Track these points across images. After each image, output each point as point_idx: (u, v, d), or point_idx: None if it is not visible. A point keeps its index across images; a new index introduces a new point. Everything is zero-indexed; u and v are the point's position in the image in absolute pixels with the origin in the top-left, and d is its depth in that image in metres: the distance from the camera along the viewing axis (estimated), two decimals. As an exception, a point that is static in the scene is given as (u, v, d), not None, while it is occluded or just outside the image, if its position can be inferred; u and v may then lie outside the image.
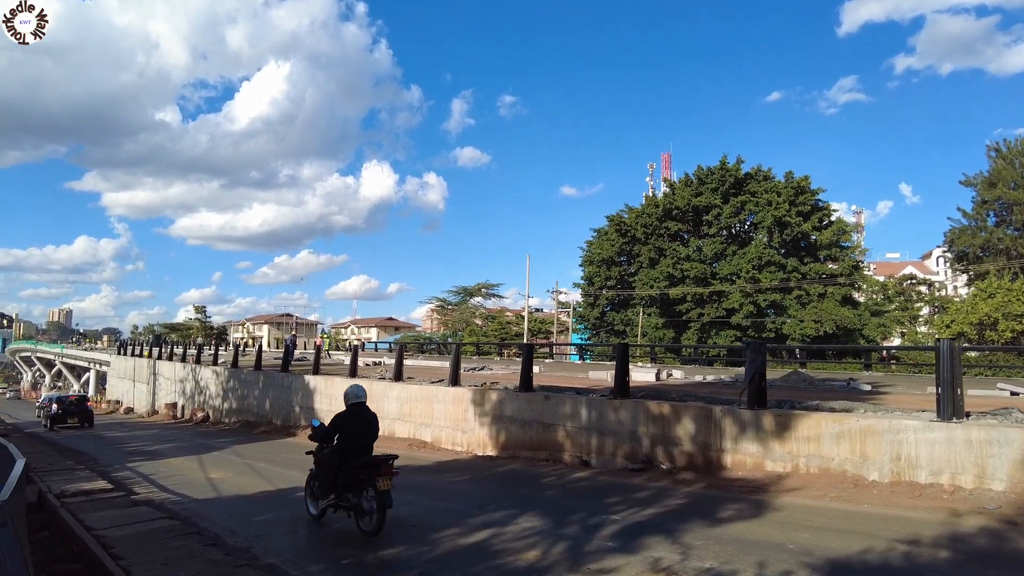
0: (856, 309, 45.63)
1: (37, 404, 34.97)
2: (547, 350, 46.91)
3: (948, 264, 53.33)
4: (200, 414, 24.66)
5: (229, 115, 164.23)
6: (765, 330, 44.46)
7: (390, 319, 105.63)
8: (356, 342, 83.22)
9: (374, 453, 7.78)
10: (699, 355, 41.61)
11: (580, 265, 54.61)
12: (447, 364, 30.03)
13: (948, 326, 42.28)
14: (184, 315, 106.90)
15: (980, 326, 40.63)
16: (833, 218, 48.18)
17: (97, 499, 9.18)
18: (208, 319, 76.86)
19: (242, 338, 79.71)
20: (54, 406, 26.02)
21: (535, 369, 26.01)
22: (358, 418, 7.72)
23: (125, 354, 38.83)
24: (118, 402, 34.57)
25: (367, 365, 29.59)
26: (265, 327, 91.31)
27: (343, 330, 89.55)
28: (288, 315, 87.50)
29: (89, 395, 51.19)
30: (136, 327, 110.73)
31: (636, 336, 48.31)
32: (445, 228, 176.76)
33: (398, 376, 17.79)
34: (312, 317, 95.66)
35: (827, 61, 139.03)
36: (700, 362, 38.25)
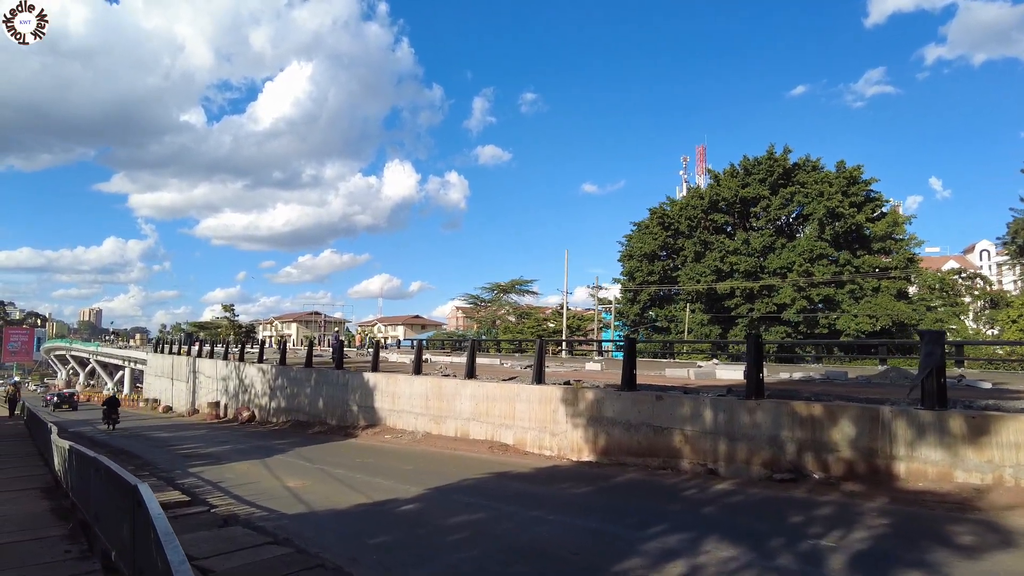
0: (911, 304, 43.61)
1: (45, 397, 49.98)
2: (587, 347, 45.42)
3: (1010, 256, 50.83)
4: (246, 413, 23.55)
5: (252, 116, 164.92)
6: (818, 325, 42.61)
7: (416, 317, 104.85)
8: (383, 338, 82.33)
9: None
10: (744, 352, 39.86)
11: (619, 260, 53.02)
12: (496, 361, 28.92)
13: (1015, 321, 40.23)
14: (210, 314, 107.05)
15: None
16: (886, 208, 46.21)
17: (180, 516, 7.92)
18: (236, 317, 76.40)
19: (271, 336, 79.16)
20: (55, 398, 45.53)
21: (597, 367, 24.74)
22: None
23: (162, 352, 37.99)
24: (156, 400, 33.69)
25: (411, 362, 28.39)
26: (294, 325, 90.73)
27: (371, 328, 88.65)
28: (316, 313, 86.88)
29: (125, 392, 50.74)
30: (164, 326, 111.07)
31: (682, 333, 46.66)
32: (467, 226, 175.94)
33: (471, 373, 16.44)
34: (337, 315, 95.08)
35: (853, 53, 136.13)
36: (742, 358, 36.61)
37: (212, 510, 8.72)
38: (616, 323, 53.29)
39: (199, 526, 7.47)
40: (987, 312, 54.06)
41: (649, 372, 21.89)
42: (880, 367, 24.54)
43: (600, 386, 13.78)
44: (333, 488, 10.40)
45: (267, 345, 34.51)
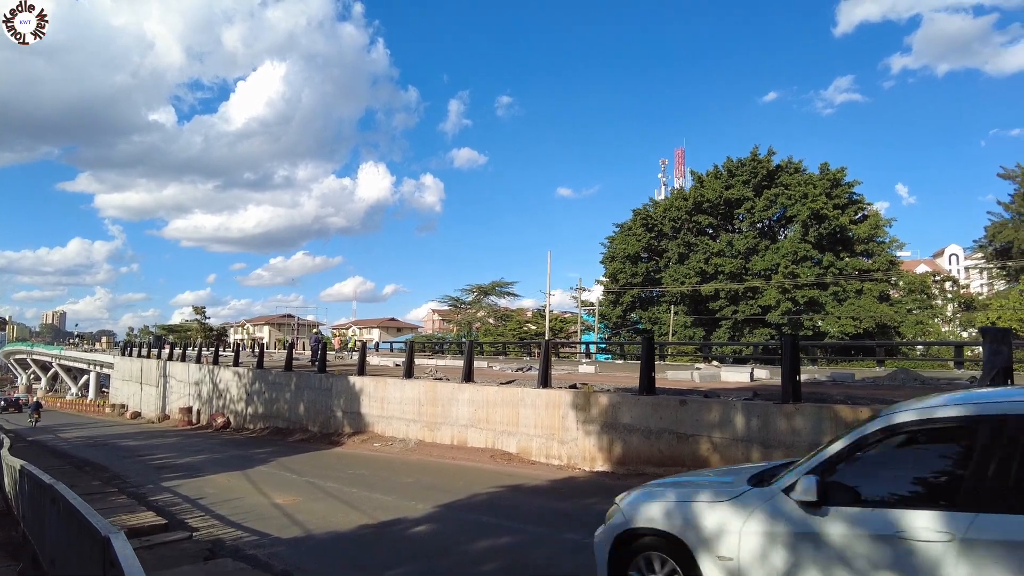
0: (893, 306, 43.70)
1: None
2: (569, 350, 44.65)
3: (986, 259, 51.36)
4: (220, 419, 22.15)
5: (224, 116, 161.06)
6: (802, 327, 42.40)
7: (392, 320, 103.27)
8: (364, 341, 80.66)
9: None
10: (732, 353, 39.52)
11: (601, 262, 52.44)
12: (484, 364, 27.85)
13: (993, 323, 40.39)
14: (180, 317, 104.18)
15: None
16: (867, 211, 46.33)
17: (157, 544, 6.76)
18: (207, 320, 74.06)
19: (242, 339, 76.95)
20: (1, 402, 50.58)
21: (590, 369, 23.86)
22: None
23: (130, 355, 36.10)
24: (123, 406, 31.92)
25: (396, 365, 27.24)
26: (266, 328, 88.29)
27: (346, 331, 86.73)
28: (289, 316, 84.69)
29: (90, 398, 48.51)
30: (131, 329, 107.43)
31: (665, 335, 46.14)
32: (442, 229, 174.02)
33: (468, 377, 15.40)
34: (309, 318, 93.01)
35: (823, 61, 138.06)
36: (726, 360, 36.20)
37: (193, 536, 7.57)
38: (599, 325, 52.61)
39: (180, 558, 6.34)
40: (960, 315, 54.68)
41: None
42: (878, 368, 24.16)
43: (611, 389, 12.88)
44: (328, 506, 9.28)
45: (242, 348, 32.96)
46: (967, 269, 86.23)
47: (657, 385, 15.12)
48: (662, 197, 69.14)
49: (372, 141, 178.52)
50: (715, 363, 27.03)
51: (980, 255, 59.54)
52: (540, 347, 14.28)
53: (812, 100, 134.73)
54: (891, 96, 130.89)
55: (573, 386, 14.11)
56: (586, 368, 24.05)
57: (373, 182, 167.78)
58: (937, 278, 60.20)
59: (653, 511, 4.17)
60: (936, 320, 49.14)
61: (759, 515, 3.72)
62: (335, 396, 18.55)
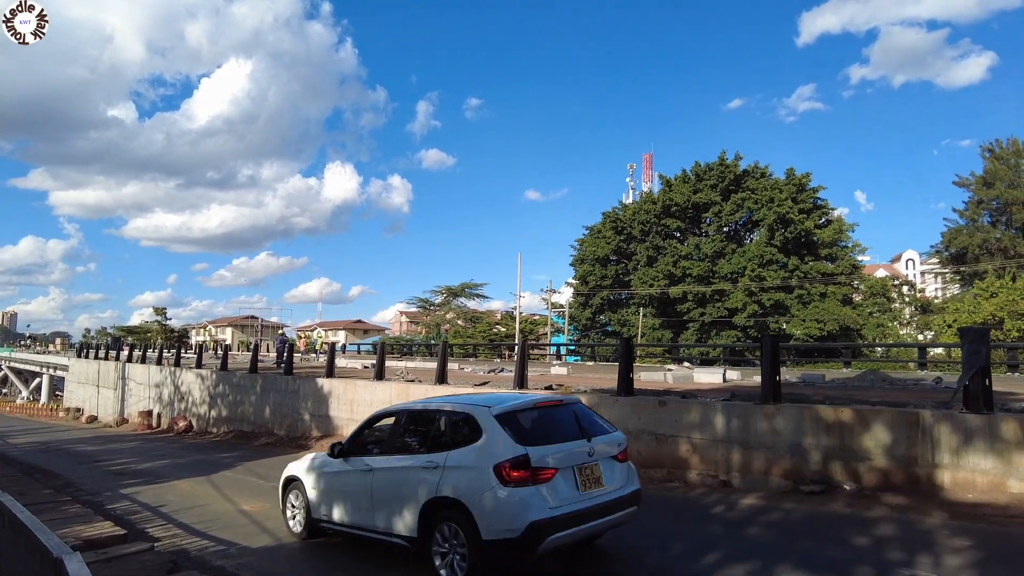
0: (856, 309, 44.66)
1: None
2: (538, 351, 44.56)
3: (942, 263, 52.89)
4: (182, 423, 21.38)
5: (187, 113, 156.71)
6: (768, 330, 43.03)
7: (358, 321, 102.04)
8: (332, 342, 79.29)
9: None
10: (699, 354, 39.89)
11: (571, 264, 52.58)
12: (454, 366, 27.50)
13: (950, 325, 41.50)
14: (139, 318, 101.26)
15: (985, 326, 39.78)
16: (831, 216, 47.30)
17: (115, 558, 6.32)
18: (167, 321, 71.97)
19: (204, 341, 75.01)
20: None
21: (563, 371, 23.73)
22: None
23: (87, 357, 34.71)
24: (78, 410, 30.67)
25: (365, 367, 26.74)
26: (229, 329, 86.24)
27: (311, 333, 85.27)
28: (253, 317, 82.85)
29: (43, 402, 46.55)
30: (88, 330, 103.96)
31: (635, 337, 46.38)
32: (410, 231, 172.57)
33: (441, 379, 15.09)
34: (273, 319, 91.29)
35: (786, 70, 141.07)
36: (693, 362, 36.51)
37: (155, 547, 7.13)
38: (570, 327, 52.66)
39: (142, 572, 5.92)
40: (917, 318, 56.22)
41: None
42: (846, 369, 24.54)
43: (587, 391, 12.72)
44: (299, 512, 8.90)
45: (205, 349, 32.01)
46: (923, 274, 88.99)
47: (609, 387, 15.08)
48: (630, 201, 69.69)
49: (339, 141, 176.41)
50: (686, 364, 27.17)
51: (935, 260, 61.38)
52: (516, 348, 14.02)
53: (776, 108, 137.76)
54: (851, 105, 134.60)
55: (549, 387, 13.93)
56: (559, 369, 23.93)
57: (340, 182, 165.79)
58: (896, 282, 61.83)
59: (297, 469, 7.65)
60: (895, 323, 50.40)
61: (323, 463, 7.18)
62: (303, 399, 18.03)
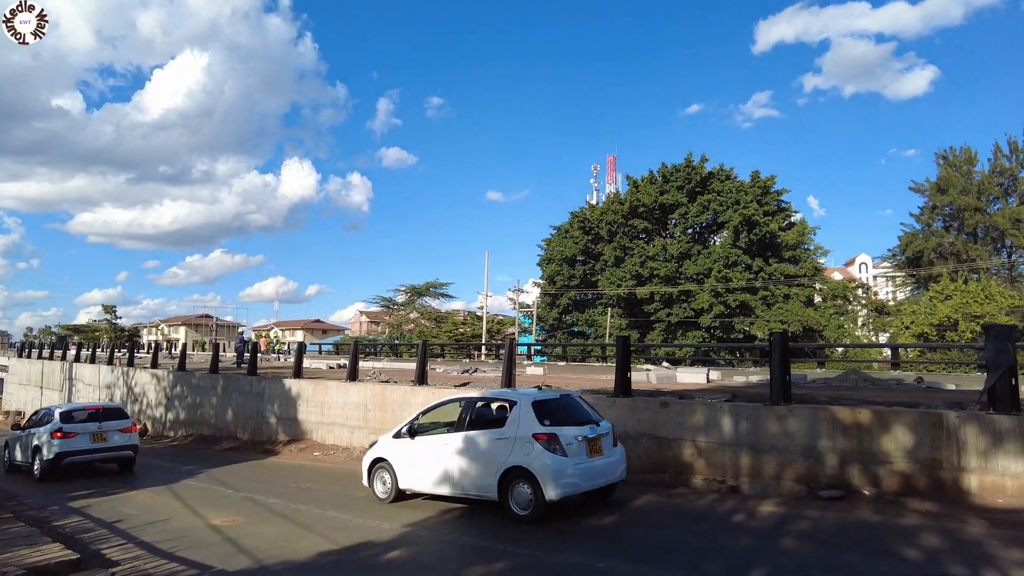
0: (818, 310, 45.33)
1: None
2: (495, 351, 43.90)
3: (898, 267, 54.26)
4: (137, 427, 19.98)
5: (139, 105, 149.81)
6: (733, 331, 43.33)
7: (317, 321, 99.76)
8: (288, 343, 76.95)
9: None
10: (664, 354, 39.86)
11: (538, 264, 52.09)
12: (434, 367, 26.54)
13: (907, 327, 42.49)
14: (86, 317, 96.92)
15: (940, 327, 40.85)
16: (795, 219, 47.94)
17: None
18: (117, 320, 68.72)
19: (156, 340, 72.05)
20: None
21: (539, 371, 23.13)
22: None
23: (29, 357, 32.50)
24: (19, 413, 28.62)
25: (330, 368, 25.69)
26: (182, 328, 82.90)
27: (268, 332, 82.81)
28: (207, 316, 79.81)
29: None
30: (30, 329, 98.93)
31: (600, 337, 46.14)
32: (369, 229, 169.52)
33: (421, 379, 14.31)
34: (228, 318, 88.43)
35: (743, 77, 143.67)
36: (657, 362, 36.46)
37: (114, 572, 6.20)
38: (537, 328, 52.16)
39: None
40: (873, 320, 57.61)
41: (600, 376, 20.55)
42: (819, 370, 24.56)
43: (579, 392, 12.10)
44: (277, 527, 8.04)
45: (160, 349, 30.35)
46: (875, 277, 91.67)
47: (606, 388, 14.57)
48: (595, 202, 69.70)
49: (297, 137, 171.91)
50: (665, 364, 26.89)
51: (887, 264, 63.08)
52: (504, 348, 13.37)
53: (732, 114, 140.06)
54: (804, 113, 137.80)
55: (538, 388, 13.28)
56: (534, 370, 23.35)
57: (298, 179, 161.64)
58: (854, 284, 63.29)
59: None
60: (852, 324, 51.44)
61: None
62: (268, 401, 17.00)
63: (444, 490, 8.42)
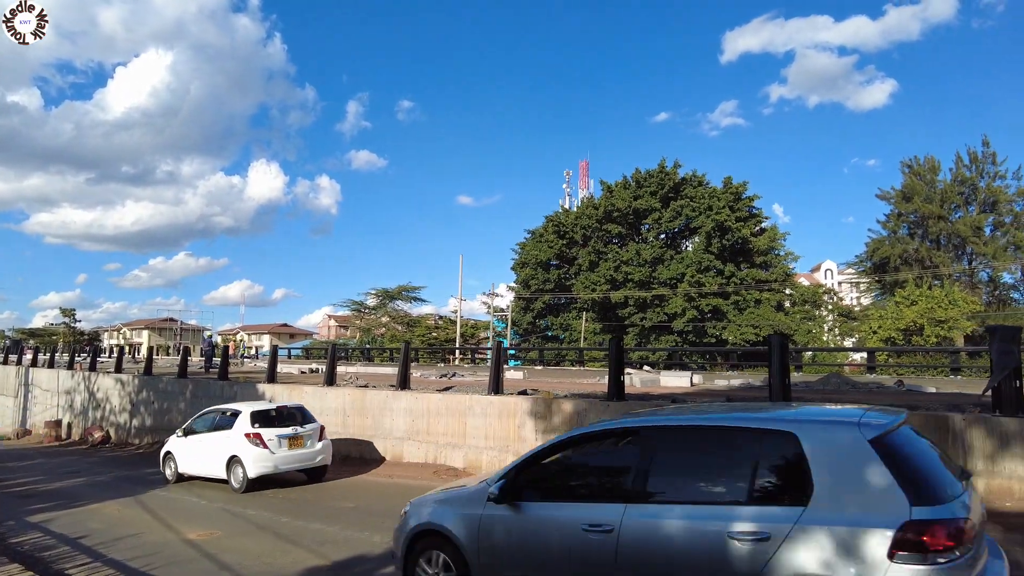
0: (788, 315, 45.93)
1: None
2: (480, 355, 43.61)
3: (866, 272, 55.30)
4: (98, 434, 19.07)
5: (100, 103, 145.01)
6: (706, 335, 43.60)
7: (284, 325, 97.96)
8: (255, 348, 75.25)
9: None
10: (638, 359, 39.91)
11: (512, 268, 51.84)
12: (391, 371, 26.01)
13: (875, 332, 43.26)
14: (43, 320, 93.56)
15: (907, 332, 41.64)
16: (779, 223, 48.59)
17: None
18: (77, 323, 66.23)
19: (118, 344, 69.77)
20: None
21: (519, 375, 22.78)
22: None
23: (-21, 361, 31.08)
24: (-31, 422, 27.29)
25: (302, 372, 25.01)
26: (145, 332, 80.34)
27: (234, 336, 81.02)
28: (172, 319, 77.59)
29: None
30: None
31: (575, 341, 46.05)
32: (338, 233, 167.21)
33: (404, 383, 13.84)
34: (192, 322, 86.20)
35: (710, 86, 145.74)
36: (632, 365, 36.49)
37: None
38: (511, 331, 51.84)
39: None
40: (840, 325, 58.68)
41: (582, 380, 20.32)
42: (797, 373, 24.72)
43: (566, 395, 11.82)
44: (260, 542, 7.54)
45: (124, 353, 29.20)
46: (840, 283, 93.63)
47: (599, 391, 14.34)
48: (567, 207, 69.76)
49: (265, 138, 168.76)
50: (646, 368, 26.76)
51: (851, 271, 64.37)
52: (491, 352, 13.01)
53: (700, 122, 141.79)
54: (770, 122, 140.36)
55: (523, 392, 12.96)
56: (513, 374, 22.95)
57: (265, 181, 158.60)
58: (823, 290, 64.42)
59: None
60: (821, 329, 52.28)
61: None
62: (240, 407, 16.31)
63: (200, 472, 11.79)
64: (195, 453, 11.87)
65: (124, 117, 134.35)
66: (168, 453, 12.40)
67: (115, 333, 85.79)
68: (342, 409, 14.29)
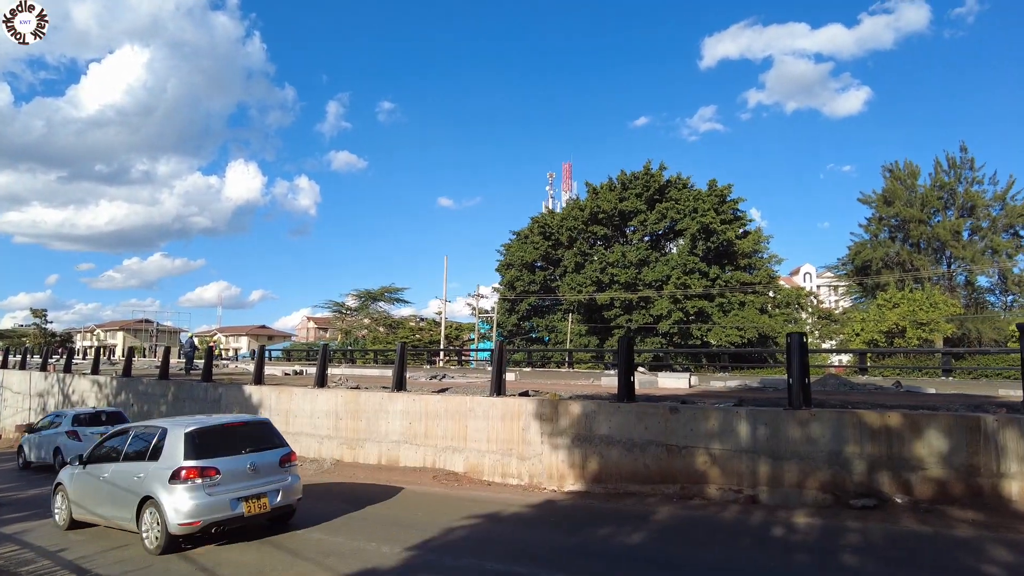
0: (772, 318, 46.07)
1: None
2: (464, 356, 43.15)
3: (847, 276, 55.81)
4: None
5: (73, 100, 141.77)
6: (691, 337, 43.55)
7: (262, 327, 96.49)
8: (231, 350, 73.80)
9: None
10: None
11: (497, 270, 51.41)
12: (375, 372, 25.47)
13: (858, 334, 43.61)
14: (12, 321, 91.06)
15: (889, 334, 42.03)
16: (753, 226, 48.73)
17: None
18: (48, 325, 64.20)
19: (91, 346, 67.88)
20: None
21: (511, 376, 22.33)
22: None
23: (-55, 363, 29.81)
24: (-67, 426, 26.10)
25: (285, 374, 24.38)
26: (120, 334, 78.25)
27: (212, 338, 79.31)
28: (148, 321, 75.67)
29: None
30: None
31: (560, 343, 45.73)
32: (317, 234, 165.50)
33: (400, 385, 13.34)
34: (168, 324, 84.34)
35: (689, 91, 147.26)
36: (610, 367, 36.29)
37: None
38: (496, 333, 51.37)
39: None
40: (821, 327, 59.12)
41: (576, 381, 19.98)
42: (778, 376, 24.66)
43: (572, 397, 11.42)
44: (258, 553, 7.02)
45: (102, 354, 28.18)
46: (818, 287, 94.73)
47: (590, 393, 14.01)
48: (550, 208, 69.57)
49: (243, 138, 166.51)
50: (641, 369, 26.45)
51: (830, 274, 65.01)
52: (492, 354, 12.57)
53: (679, 127, 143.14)
54: (747, 127, 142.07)
55: (525, 393, 12.54)
56: (506, 376, 22.50)
57: (243, 181, 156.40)
58: (807, 293, 64.94)
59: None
60: (802, 331, 52.54)
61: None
62: (225, 409, 15.70)
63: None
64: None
65: (98, 115, 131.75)
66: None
67: (88, 335, 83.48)
68: (334, 412, 13.75)
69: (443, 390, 14.49)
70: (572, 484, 10.12)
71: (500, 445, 11.13)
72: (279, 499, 7.74)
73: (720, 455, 8.93)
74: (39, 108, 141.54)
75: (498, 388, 11.82)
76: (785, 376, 22.84)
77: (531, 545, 6.69)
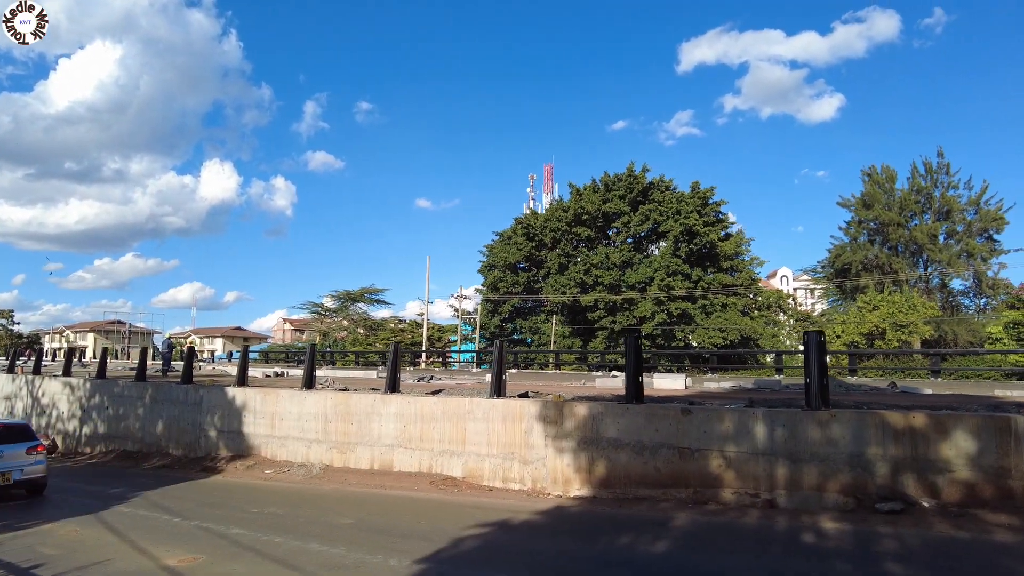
0: (754, 320, 46.24)
1: None
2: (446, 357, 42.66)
3: (827, 278, 56.31)
4: (45, 442, 17.38)
5: (41, 96, 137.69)
6: (675, 339, 43.52)
7: (237, 328, 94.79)
8: (207, 351, 72.22)
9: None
10: (608, 361, 39.53)
11: (480, 271, 50.94)
12: (359, 374, 24.89)
13: (839, 336, 43.94)
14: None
15: (869, 336, 42.42)
16: (732, 230, 48.92)
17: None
18: (15, 326, 62.04)
19: (60, 348, 65.83)
20: None
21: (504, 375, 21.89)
22: None
23: (-96, 365, 28.50)
24: None
25: (266, 376, 23.69)
26: (90, 335, 75.99)
27: (186, 340, 77.53)
28: (119, 322, 73.59)
29: None
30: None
31: (544, 344, 45.39)
32: (293, 235, 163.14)
33: (393, 386, 12.84)
34: (140, 325, 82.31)
35: (667, 96, 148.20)
36: (605, 368, 36.08)
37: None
38: (479, 335, 50.84)
39: None
40: (800, 329, 59.57)
41: (567, 383, 19.65)
42: (779, 376, 24.55)
43: (573, 398, 11.03)
44: (253, 567, 6.50)
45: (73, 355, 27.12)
46: (795, 289, 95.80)
47: (588, 394, 13.69)
48: (531, 210, 69.26)
49: (219, 137, 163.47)
50: (613, 373, 26.13)
51: (806, 277, 65.69)
52: (494, 354, 12.15)
53: (656, 131, 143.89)
54: (723, 132, 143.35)
55: (524, 394, 12.12)
56: (490, 377, 22.07)
57: (218, 181, 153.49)
58: (787, 295, 65.48)
59: None
60: (783, 333, 52.93)
61: None
62: (207, 412, 15.02)
63: None
64: None
65: (68, 111, 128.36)
66: None
67: (57, 336, 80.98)
68: (323, 414, 13.19)
69: (437, 392, 14.02)
70: (578, 489, 9.72)
71: (501, 448, 10.69)
72: (22, 476, 11.00)
73: (735, 458, 8.60)
74: (5, 103, 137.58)
75: (498, 389, 11.40)
76: (777, 377, 22.74)
77: (550, 556, 6.27)
